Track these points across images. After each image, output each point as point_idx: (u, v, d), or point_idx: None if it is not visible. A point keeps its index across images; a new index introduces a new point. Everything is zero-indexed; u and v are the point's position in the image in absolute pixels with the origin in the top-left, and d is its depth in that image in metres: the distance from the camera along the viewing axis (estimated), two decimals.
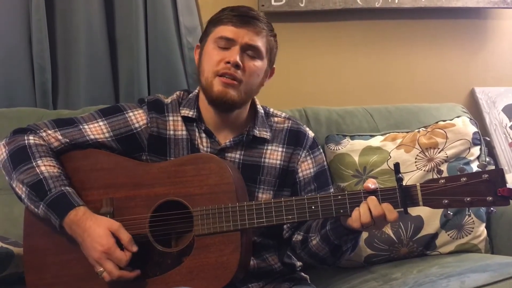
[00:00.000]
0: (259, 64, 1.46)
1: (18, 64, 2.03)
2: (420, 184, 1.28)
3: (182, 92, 1.57)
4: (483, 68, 2.49)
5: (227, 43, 1.43)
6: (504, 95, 2.42)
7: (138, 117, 1.50)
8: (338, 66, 2.36)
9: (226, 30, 1.43)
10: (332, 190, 1.58)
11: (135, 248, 1.30)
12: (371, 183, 1.29)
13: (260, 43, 1.45)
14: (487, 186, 1.23)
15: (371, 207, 1.27)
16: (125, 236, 1.31)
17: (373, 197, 1.28)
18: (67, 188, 1.35)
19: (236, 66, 1.41)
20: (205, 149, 1.49)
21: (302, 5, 2.23)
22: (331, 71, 2.36)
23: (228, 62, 1.41)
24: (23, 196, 1.37)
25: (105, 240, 1.29)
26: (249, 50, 1.44)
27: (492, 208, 1.25)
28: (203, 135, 1.50)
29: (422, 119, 2.07)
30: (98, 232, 1.29)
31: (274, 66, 1.55)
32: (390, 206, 1.27)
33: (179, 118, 1.50)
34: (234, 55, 1.41)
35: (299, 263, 1.61)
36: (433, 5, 2.33)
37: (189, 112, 1.50)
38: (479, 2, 2.38)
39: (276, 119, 1.57)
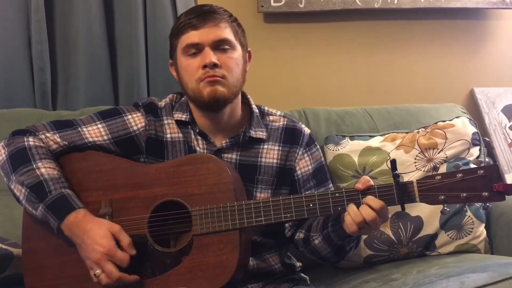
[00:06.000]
0: (235, 54, 1.45)
1: (17, 65, 2.02)
2: (416, 180, 1.28)
3: (175, 95, 1.57)
4: (483, 69, 2.49)
5: (196, 48, 1.43)
6: (503, 95, 2.42)
7: (136, 120, 1.50)
8: (337, 67, 2.36)
9: (189, 37, 1.43)
10: (331, 185, 1.58)
11: (133, 252, 1.31)
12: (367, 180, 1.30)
13: (226, 34, 1.44)
14: (483, 182, 1.24)
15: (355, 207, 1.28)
16: (125, 238, 1.31)
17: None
18: (67, 190, 1.35)
19: (214, 65, 1.40)
20: (201, 150, 1.48)
21: (302, 5, 2.23)
22: (331, 72, 2.36)
23: (205, 66, 1.40)
24: (21, 198, 1.36)
25: (106, 242, 1.29)
26: (219, 45, 1.43)
27: (488, 204, 1.25)
28: (199, 137, 1.50)
29: (422, 119, 2.07)
30: (99, 234, 1.29)
31: (249, 49, 1.53)
32: (372, 197, 1.27)
33: (173, 122, 1.50)
34: (208, 56, 1.40)
35: (298, 264, 1.60)
36: (432, 6, 2.33)
37: (182, 116, 1.50)
38: (478, 3, 2.38)
39: (271, 117, 1.57)
